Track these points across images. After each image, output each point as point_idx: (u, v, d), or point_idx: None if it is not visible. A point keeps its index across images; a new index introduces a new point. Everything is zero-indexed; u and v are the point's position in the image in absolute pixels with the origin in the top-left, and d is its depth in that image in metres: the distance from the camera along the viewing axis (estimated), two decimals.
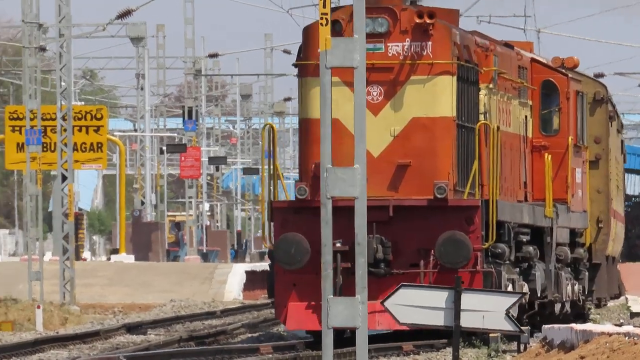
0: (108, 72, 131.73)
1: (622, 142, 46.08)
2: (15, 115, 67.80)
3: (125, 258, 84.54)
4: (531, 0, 67.58)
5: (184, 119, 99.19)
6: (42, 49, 66.46)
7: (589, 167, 38.00)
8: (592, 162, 38.06)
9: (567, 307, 35.83)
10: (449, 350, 29.37)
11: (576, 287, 36.33)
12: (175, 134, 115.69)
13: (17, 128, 66.73)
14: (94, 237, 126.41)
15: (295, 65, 29.09)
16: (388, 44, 27.52)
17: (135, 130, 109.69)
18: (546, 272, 32.91)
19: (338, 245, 26.54)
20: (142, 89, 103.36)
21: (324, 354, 13.85)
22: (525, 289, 31.64)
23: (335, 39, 15.54)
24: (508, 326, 23.56)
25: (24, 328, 39.69)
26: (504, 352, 29.96)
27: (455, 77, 27.80)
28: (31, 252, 56.67)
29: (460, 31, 29.39)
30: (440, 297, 24.48)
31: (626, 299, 46.89)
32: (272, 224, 28.45)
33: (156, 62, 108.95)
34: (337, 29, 26.83)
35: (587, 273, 37.11)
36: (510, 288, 29.52)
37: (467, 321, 23.31)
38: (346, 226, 24.32)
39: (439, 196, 27.25)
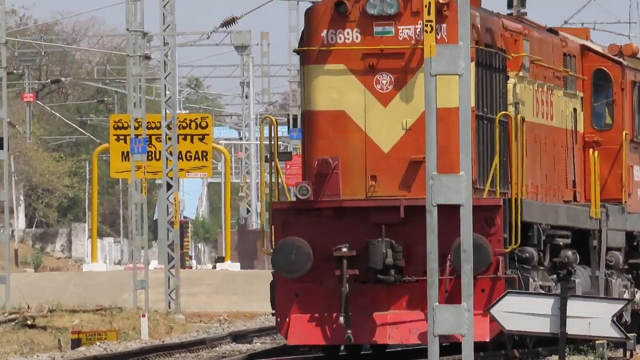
0: (213, 80, 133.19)
1: None
2: (119, 124, 68.78)
3: (231, 266, 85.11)
4: (635, 7, 66.94)
5: (288, 127, 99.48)
6: (147, 58, 67.17)
7: None
8: None
9: (626, 316, 33.06)
10: (555, 357, 28.15)
11: (638, 296, 34.35)
12: (281, 142, 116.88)
13: (122, 137, 67.71)
14: (199, 245, 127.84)
15: (296, 51, 27.35)
16: (398, 27, 25.29)
17: (241, 139, 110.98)
18: (592, 278, 30.86)
19: (344, 250, 24.96)
20: (246, 97, 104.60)
21: None
22: None
23: (440, 46, 15.23)
24: (614, 333, 24.32)
25: (129, 337, 40.09)
26: (610, 359, 29.53)
27: (473, 63, 25.38)
28: (136, 261, 57.25)
29: (482, 12, 26.92)
30: (546, 304, 25.02)
31: None
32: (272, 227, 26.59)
33: (261, 70, 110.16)
34: (342, 11, 25.22)
35: None
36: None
37: (573, 328, 24.04)
38: (352, 229, 25.17)
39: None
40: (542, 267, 27.70)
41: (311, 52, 25.78)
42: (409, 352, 26.95)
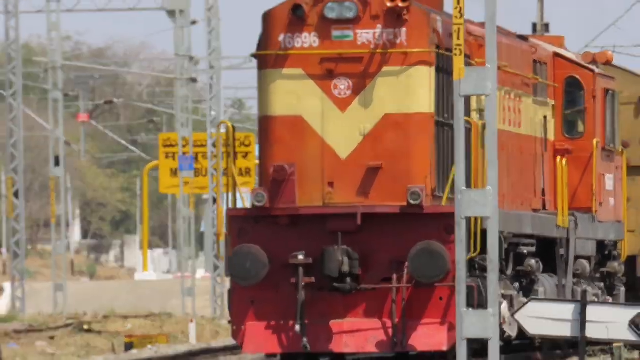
0: (255, 101, 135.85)
1: None
2: (168, 143, 70.80)
3: None
4: None
5: None
6: (193, 80, 69.31)
7: (632, 173, 34.87)
8: (637, 167, 34.92)
9: None
10: (575, 358, 28.41)
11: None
12: None
13: (171, 154, 69.76)
14: None
15: (253, 56, 25.98)
16: (357, 31, 23.76)
17: None
18: (558, 287, 29.80)
19: (300, 257, 23.59)
20: None
21: None
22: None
23: (469, 69, 16.36)
24: (631, 336, 24.85)
25: (178, 341, 40.40)
26: None
27: (433, 68, 24.11)
28: (184, 270, 59.89)
29: (444, 17, 25.36)
30: (567, 310, 25.43)
31: None
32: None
33: None
34: (299, 15, 23.89)
35: (622, 288, 33.80)
36: (505, 304, 26.24)
37: (592, 332, 24.62)
38: (309, 236, 23.84)
39: (413, 202, 23.46)
40: (505, 276, 26.53)
41: (268, 57, 24.48)
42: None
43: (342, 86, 23.29)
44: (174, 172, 64.05)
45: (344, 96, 23.31)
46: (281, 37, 23.68)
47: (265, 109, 24.22)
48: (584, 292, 30.70)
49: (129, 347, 36.05)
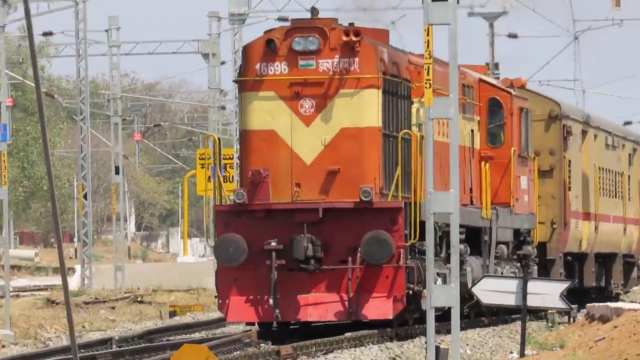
0: None
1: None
2: (203, 156, 72.12)
3: None
4: (579, 68, 69.68)
5: None
6: (223, 108, 70.60)
7: (543, 176, 33.26)
8: (547, 171, 33.41)
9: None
10: (518, 322, 26.84)
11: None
12: None
13: (205, 165, 71.09)
14: None
15: (235, 81, 25.05)
16: (319, 61, 23.19)
17: None
18: (482, 266, 28.75)
19: (273, 244, 22.88)
20: None
21: (428, 329, 12.87)
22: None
23: (437, 99, 14.90)
24: (561, 305, 24.04)
25: (211, 309, 39.20)
26: (559, 323, 30.32)
27: (381, 91, 23.32)
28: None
29: (389, 49, 24.44)
30: (512, 284, 22.24)
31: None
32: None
33: None
34: (272, 48, 23.21)
35: (535, 267, 32.42)
36: (440, 282, 24.98)
37: (532, 302, 22.82)
38: (280, 227, 22.80)
39: (364, 199, 22.87)
40: (439, 258, 25.46)
41: (247, 82, 23.44)
42: (329, 327, 24.40)
43: (307, 105, 22.79)
44: (208, 179, 64.69)
45: (309, 114, 22.80)
46: (257, 66, 22.92)
47: (244, 125, 23.38)
48: (526, 270, 31.49)
49: (172, 314, 36.54)
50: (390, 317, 22.37)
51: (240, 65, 23.58)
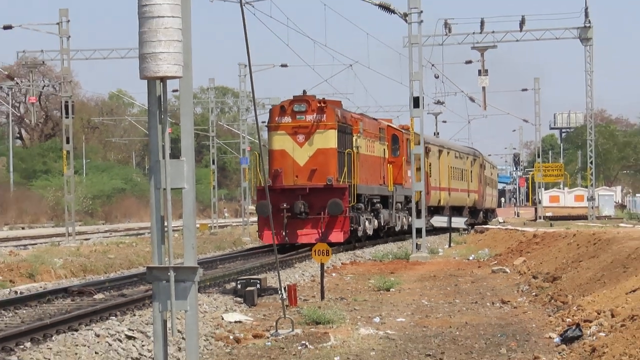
0: None
1: (480, 165, 63.37)
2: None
3: None
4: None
5: None
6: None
7: (417, 171, 40.86)
8: (418, 168, 40.72)
9: (404, 227, 43.07)
10: (445, 235, 46.54)
11: (408, 220, 42.88)
12: None
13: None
14: None
15: (266, 126, 34.57)
16: (306, 116, 33.72)
17: None
18: (390, 214, 40.32)
19: (284, 205, 32.96)
20: None
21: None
22: (375, 222, 38.19)
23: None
24: (465, 226, 49.96)
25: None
26: (463, 233, 50.64)
27: (337, 130, 33.80)
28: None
29: (341, 110, 35.46)
30: (445, 219, 46.47)
31: (498, 221, 65.87)
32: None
33: None
34: (283, 109, 34.06)
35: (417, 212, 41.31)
36: (368, 222, 36.90)
37: (454, 225, 45.92)
38: (288, 197, 33.11)
39: (328, 183, 33.36)
40: (366, 211, 36.71)
41: (271, 126, 34.03)
42: (309, 245, 30.64)
43: (300, 138, 33.89)
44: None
45: (301, 141, 33.85)
46: (276, 118, 34.19)
47: (270, 146, 34.51)
48: (450, 211, 53.45)
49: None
50: (342, 241, 33.67)
51: (268, 118, 34.82)
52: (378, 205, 38.41)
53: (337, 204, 33.15)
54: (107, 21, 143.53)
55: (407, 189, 42.19)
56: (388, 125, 42.27)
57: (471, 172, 58.74)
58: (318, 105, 33.56)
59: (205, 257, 33.31)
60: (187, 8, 10.28)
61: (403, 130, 43.34)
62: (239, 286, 20.21)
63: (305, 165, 33.65)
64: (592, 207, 55.67)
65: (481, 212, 62.13)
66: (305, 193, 33.11)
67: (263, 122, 36.28)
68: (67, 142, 42.78)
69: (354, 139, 35.56)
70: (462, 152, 57.27)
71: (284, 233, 32.89)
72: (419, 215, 35.61)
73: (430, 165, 47.12)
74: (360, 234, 35.71)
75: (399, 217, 42.04)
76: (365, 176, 36.67)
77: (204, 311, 17.36)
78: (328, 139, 33.90)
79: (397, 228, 42.09)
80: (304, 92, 34.34)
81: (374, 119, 41.14)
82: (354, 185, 34.14)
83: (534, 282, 23.25)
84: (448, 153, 52.33)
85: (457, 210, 52.87)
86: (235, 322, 16.63)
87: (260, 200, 33.17)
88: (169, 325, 10.06)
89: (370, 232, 37.13)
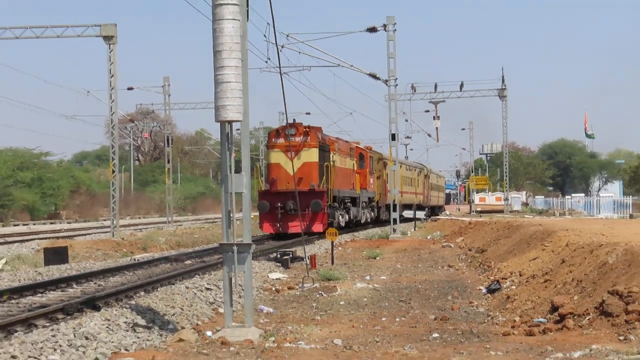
0: None
1: (425, 175, 66.21)
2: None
3: None
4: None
5: None
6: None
7: (378, 179, 47.24)
8: (379, 177, 47.75)
9: (367, 220, 43.77)
10: (410, 224, 49.74)
11: (370, 214, 44.69)
12: None
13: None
14: None
15: (265, 145, 35.87)
16: (296, 137, 33.72)
17: None
18: (357, 211, 40.70)
19: (279, 204, 33.09)
20: None
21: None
22: (347, 217, 38.56)
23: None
24: (425, 217, 55.39)
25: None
26: (424, 221, 53.87)
27: (318, 149, 33.88)
28: None
29: (322, 133, 35.04)
30: (411, 212, 50.45)
31: (445, 213, 69.51)
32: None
33: None
34: (278, 133, 33.97)
35: (377, 209, 46.47)
36: (341, 217, 37.22)
37: (418, 215, 50.62)
38: (281, 198, 33.01)
39: (312, 188, 33.37)
40: (340, 209, 37.09)
41: (269, 145, 33.86)
42: (297, 234, 32.70)
43: (291, 154, 33.70)
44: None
45: (292, 157, 33.77)
46: (273, 139, 34.17)
47: (268, 160, 34.68)
48: (415, 207, 54.95)
49: None
50: (321, 231, 33.42)
51: (267, 139, 35.21)
52: (349, 204, 38.83)
53: (318, 204, 33.24)
54: (196, 83, 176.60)
55: (371, 192, 43.72)
56: (356, 146, 43.18)
57: (418, 180, 61.61)
58: (304, 129, 33.66)
59: (255, 237, 34.33)
60: (245, 76, 12.75)
61: (367, 150, 44.56)
62: (278, 255, 24.19)
63: (295, 174, 33.06)
64: (507, 205, 67.30)
65: (427, 208, 65.46)
66: (294, 195, 32.71)
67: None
68: (168, 162, 53.54)
69: (331, 155, 35.56)
70: (411, 166, 60.39)
71: (278, 225, 33.17)
72: (394, 210, 39.66)
73: (387, 175, 48.52)
74: (335, 225, 35.49)
75: (364, 212, 42.65)
76: (340, 183, 36.73)
77: (255, 272, 20.61)
78: (311, 155, 33.83)
79: (362, 221, 42.60)
80: (294, 120, 34.48)
81: (346, 141, 41.38)
82: (330, 189, 34.18)
83: (469, 253, 26.65)
84: (401, 166, 52.82)
85: (408, 207, 55.15)
86: (276, 279, 19.74)
87: (261, 200, 33.72)
88: (233, 280, 12.25)
89: (343, 224, 37.25)
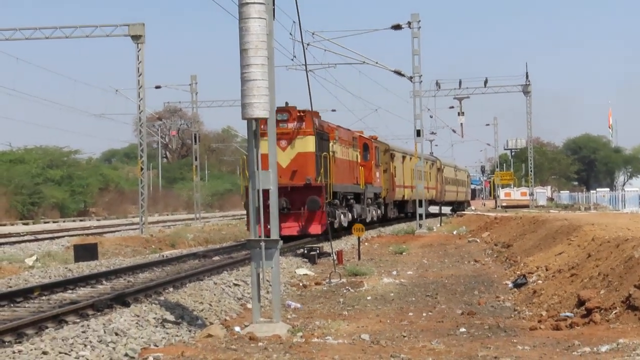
0: None
1: (438, 169, 62.50)
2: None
3: None
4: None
5: None
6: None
7: (384, 172, 43.94)
8: (385, 170, 44.42)
9: (373, 218, 40.46)
10: (435, 220, 51.56)
11: (377, 212, 41.64)
12: None
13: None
14: None
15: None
16: (288, 124, 30.04)
17: None
18: (362, 208, 37.66)
19: (269, 202, 28.95)
20: None
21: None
22: (349, 215, 35.15)
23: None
24: (450, 212, 61.61)
25: None
26: (450, 216, 55.81)
27: (315, 136, 30.45)
28: None
29: (319, 119, 31.87)
30: (437, 207, 55.18)
31: (471, 209, 71.92)
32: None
33: None
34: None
35: (383, 206, 43.79)
36: (342, 216, 33.83)
37: (443, 211, 54.70)
38: (281, 194, 29.03)
39: (307, 182, 29.88)
40: (341, 206, 33.88)
41: (261, 133, 26.33)
42: (292, 237, 29.95)
43: (283, 143, 29.92)
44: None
45: (284, 146, 30.03)
46: (262, 126, 26.46)
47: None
48: (440, 204, 58.59)
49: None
50: (319, 233, 30.64)
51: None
52: (352, 201, 36.36)
53: (314, 201, 30.02)
54: (223, 81, 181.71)
55: (377, 187, 42.02)
56: (360, 135, 40.93)
57: (430, 173, 60.58)
58: (298, 114, 30.36)
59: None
60: (272, 74, 12.94)
61: (372, 140, 42.73)
62: (306, 251, 25.20)
63: (287, 167, 30.05)
64: (532, 200, 71.10)
65: (440, 204, 65.03)
66: (287, 191, 29.93)
67: None
68: (196, 159, 56.07)
69: (330, 145, 32.83)
70: (424, 158, 60.37)
71: (268, 226, 31.06)
72: (420, 205, 42.46)
73: (395, 168, 47.77)
74: (336, 225, 33.34)
75: (369, 210, 40.60)
76: (341, 176, 34.24)
77: (283, 268, 21.34)
78: (307, 144, 30.40)
79: (368, 219, 39.96)
80: (286, 103, 31.26)
81: (349, 129, 38.53)
82: (330, 184, 31.28)
83: (495, 248, 27.90)
84: (410, 159, 52.75)
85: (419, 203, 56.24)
86: (303, 274, 20.86)
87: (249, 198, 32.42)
88: (261, 276, 13.16)
89: (345, 224, 34.56)
